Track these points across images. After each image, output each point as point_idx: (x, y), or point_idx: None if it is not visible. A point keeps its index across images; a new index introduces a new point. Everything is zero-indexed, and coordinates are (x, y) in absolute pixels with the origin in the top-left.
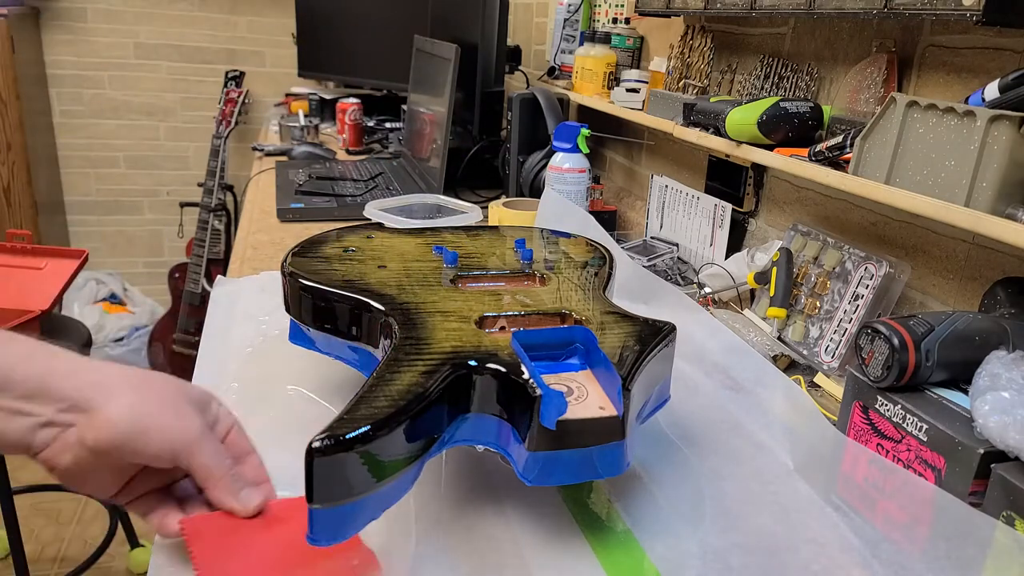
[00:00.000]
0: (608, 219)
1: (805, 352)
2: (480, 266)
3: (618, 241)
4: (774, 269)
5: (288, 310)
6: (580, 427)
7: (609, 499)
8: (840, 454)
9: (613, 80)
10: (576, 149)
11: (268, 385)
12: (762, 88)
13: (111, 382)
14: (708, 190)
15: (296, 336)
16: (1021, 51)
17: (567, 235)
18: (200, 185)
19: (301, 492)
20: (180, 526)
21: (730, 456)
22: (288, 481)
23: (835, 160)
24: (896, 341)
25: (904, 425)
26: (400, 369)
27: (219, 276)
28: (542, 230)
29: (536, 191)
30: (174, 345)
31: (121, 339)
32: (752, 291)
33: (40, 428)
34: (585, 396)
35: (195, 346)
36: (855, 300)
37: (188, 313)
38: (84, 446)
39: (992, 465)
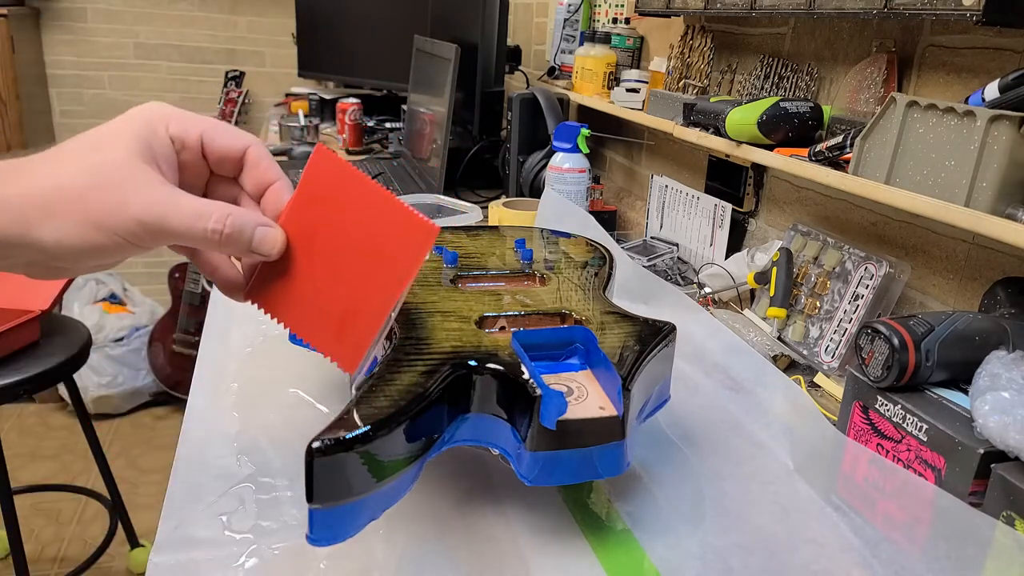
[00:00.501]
0: (608, 219)
1: (805, 352)
2: (480, 266)
3: (618, 241)
4: (774, 269)
5: None
6: (580, 427)
7: (609, 499)
8: (840, 454)
9: (613, 80)
10: (576, 149)
11: (268, 385)
12: (762, 88)
13: (50, 207)
14: (708, 190)
15: (296, 336)
16: (1021, 51)
17: (567, 235)
18: None
19: (303, 493)
20: (248, 301)
21: (730, 456)
22: (289, 481)
23: (835, 160)
24: (896, 341)
25: (904, 425)
26: (400, 369)
27: None
28: (542, 230)
29: (536, 191)
30: (174, 345)
31: (121, 339)
32: (752, 291)
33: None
34: (585, 396)
35: (195, 346)
36: (855, 300)
37: (188, 313)
38: (31, 263)
39: (992, 465)
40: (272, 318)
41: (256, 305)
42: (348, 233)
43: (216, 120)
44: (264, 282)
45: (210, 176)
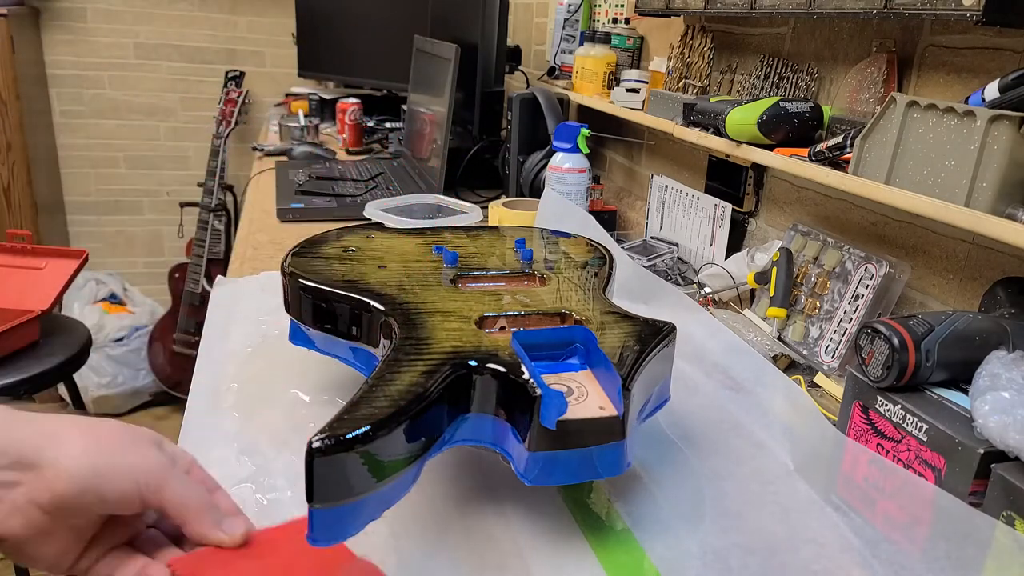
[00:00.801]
0: (608, 219)
1: (805, 352)
2: (480, 266)
3: (618, 241)
4: (774, 269)
5: (288, 310)
6: (580, 427)
7: (609, 499)
8: (840, 454)
9: (613, 80)
10: (576, 149)
11: (268, 385)
12: (762, 88)
13: (58, 428)
14: (708, 190)
15: (296, 336)
16: (1021, 51)
17: (567, 235)
18: (200, 185)
19: (303, 493)
20: (171, 569)
21: (730, 456)
22: (289, 481)
23: (835, 160)
24: (896, 341)
25: (904, 425)
26: (400, 369)
27: (219, 276)
28: (542, 230)
29: (536, 191)
30: (174, 345)
31: (121, 339)
32: (752, 291)
33: None
34: (585, 396)
35: (195, 346)
36: (855, 300)
37: (188, 313)
38: (38, 505)
39: (992, 465)
40: None
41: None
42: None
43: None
44: (197, 559)
45: None
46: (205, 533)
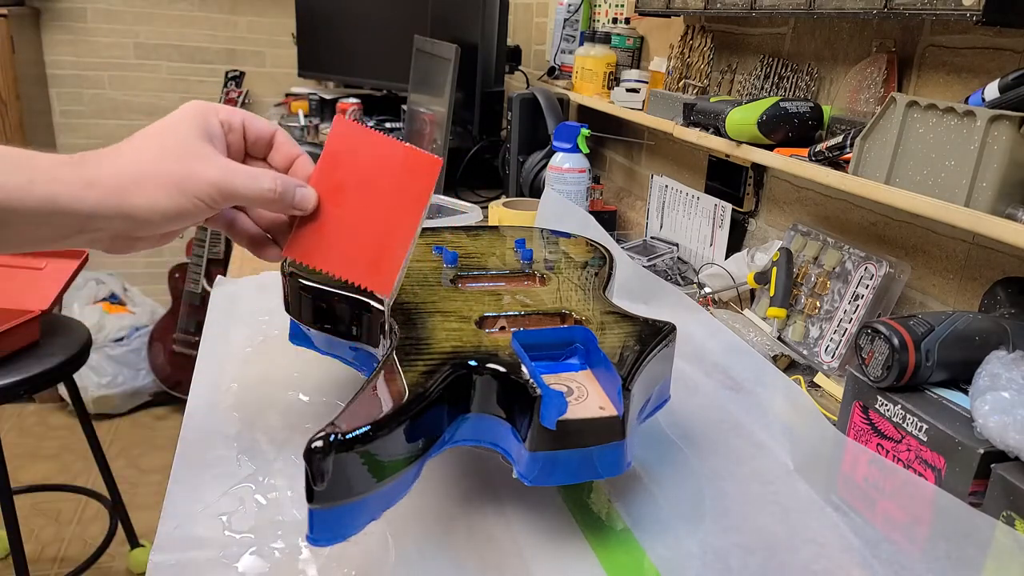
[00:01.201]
0: (608, 219)
1: (805, 352)
2: (480, 266)
3: (618, 241)
4: (774, 269)
5: (288, 310)
6: (580, 427)
7: (609, 499)
8: (840, 454)
9: (613, 80)
10: (576, 149)
11: (268, 385)
12: (762, 88)
13: (129, 193)
14: (708, 190)
15: (296, 336)
16: (1021, 51)
17: (567, 235)
18: None
19: (303, 493)
20: (285, 257)
21: (730, 456)
22: (289, 481)
23: (835, 160)
24: (896, 341)
25: (904, 425)
26: (400, 369)
27: (219, 276)
28: (542, 230)
29: (536, 191)
30: (174, 345)
31: (121, 339)
32: (752, 291)
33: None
34: (585, 396)
35: (195, 346)
36: (855, 300)
37: (188, 313)
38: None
39: (992, 465)
40: (310, 266)
41: (295, 259)
42: (369, 181)
43: (250, 112)
44: (299, 238)
45: (245, 156)
46: (282, 214)
